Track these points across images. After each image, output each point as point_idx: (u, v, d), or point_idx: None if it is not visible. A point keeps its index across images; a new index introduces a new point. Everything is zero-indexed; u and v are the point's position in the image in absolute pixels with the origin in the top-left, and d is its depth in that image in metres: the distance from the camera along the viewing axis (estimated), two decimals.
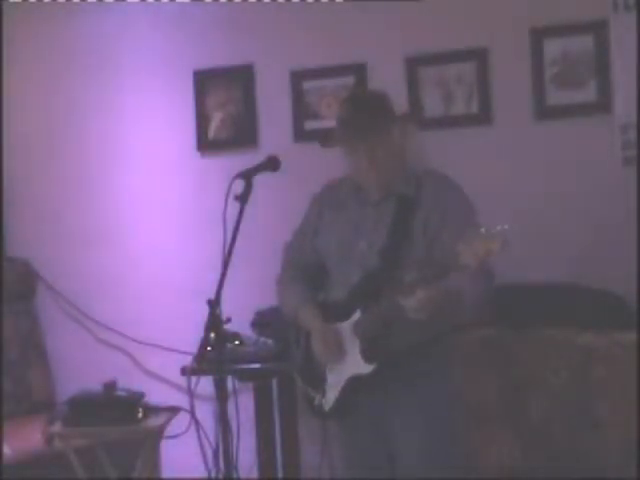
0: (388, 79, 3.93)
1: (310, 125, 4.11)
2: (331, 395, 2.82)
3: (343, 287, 2.79)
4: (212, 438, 2.92)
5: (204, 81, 4.28)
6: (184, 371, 3.33)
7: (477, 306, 2.69)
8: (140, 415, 3.52)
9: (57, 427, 3.55)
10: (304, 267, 2.98)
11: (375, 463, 2.86)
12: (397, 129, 2.79)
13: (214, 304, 2.65)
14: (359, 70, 4.04)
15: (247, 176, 2.73)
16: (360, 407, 2.81)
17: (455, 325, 2.83)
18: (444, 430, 2.77)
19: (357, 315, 2.74)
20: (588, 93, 3.77)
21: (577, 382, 3.22)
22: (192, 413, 2.91)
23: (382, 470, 2.85)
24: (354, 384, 2.75)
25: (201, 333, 2.69)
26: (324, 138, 2.95)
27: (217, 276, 2.66)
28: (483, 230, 2.38)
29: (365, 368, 2.71)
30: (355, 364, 2.74)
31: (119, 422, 3.50)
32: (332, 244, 2.87)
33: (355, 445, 2.90)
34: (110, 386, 3.62)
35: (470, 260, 2.37)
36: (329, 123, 3.95)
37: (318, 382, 2.86)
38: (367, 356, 2.71)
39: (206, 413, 3.03)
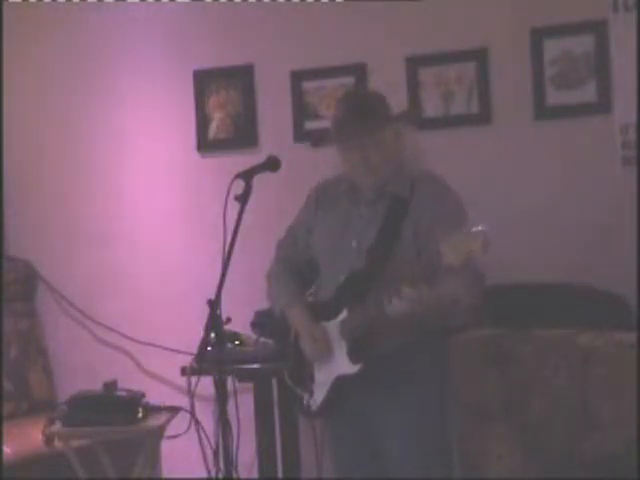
0: (388, 79, 3.93)
1: (310, 125, 4.11)
2: (319, 395, 2.83)
3: (332, 286, 2.80)
4: (212, 438, 2.92)
5: (204, 81, 4.28)
6: (184, 371, 3.33)
7: (463, 310, 2.71)
8: (140, 415, 3.52)
9: (57, 427, 3.55)
10: (296, 263, 2.99)
11: (362, 462, 2.87)
12: (391, 130, 2.79)
13: (214, 304, 2.65)
14: (359, 70, 4.03)
15: (247, 176, 2.73)
16: (347, 407, 2.81)
17: (442, 327, 2.84)
18: (430, 430, 2.79)
19: (344, 315, 2.74)
20: (588, 93, 3.77)
21: (577, 382, 3.22)
22: (192, 413, 2.91)
23: (369, 469, 2.86)
24: (341, 384, 2.76)
25: (201, 333, 2.69)
26: (316, 138, 2.96)
27: (217, 276, 2.66)
28: (465, 231, 2.39)
29: (351, 368, 2.72)
30: (342, 364, 2.75)
31: (119, 422, 3.49)
32: (324, 242, 2.88)
33: (343, 445, 2.92)
34: (110, 386, 3.61)
35: (453, 260, 2.39)
36: (329, 123, 3.96)
37: (306, 382, 2.86)
38: (353, 356, 2.71)
39: (206, 413, 3.02)
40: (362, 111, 2.76)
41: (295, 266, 2.99)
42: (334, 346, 2.77)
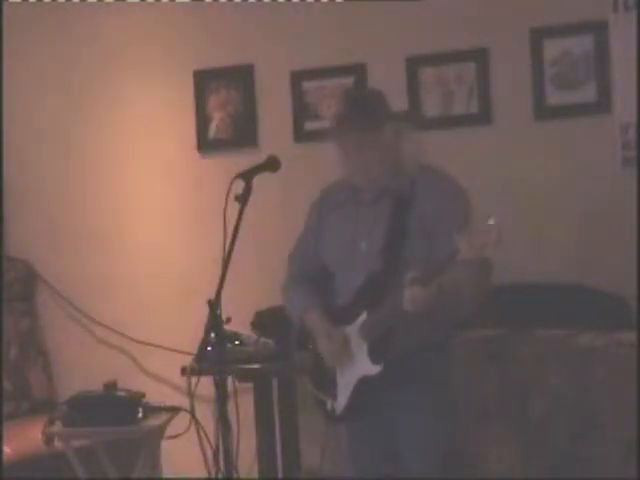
0: (388, 79, 3.93)
1: (310, 125, 4.11)
2: (342, 399, 2.82)
3: (348, 290, 2.79)
4: (212, 438, 2.92)
5: (204, 81, 4.28)
6: (184, 371, 3.33)
7: (476, 298, 2.70)
8: (140, 415, 3.51)
9: (57, 427, 3.55)
10: (309, 274, 2.97)
11: (379, 463, 2.87)
12: (389, 128, 2.78)
13: (214, 304, 2.65)
14: (359, 70, 4.04)
15: (247, 176, 2.73)
16: (370, 409, 2.81)
17: (456, 321, 2.83)
18: (449, 431, 2.79)
19: (363, 317, 2.74)
20: (588, 93, 3.77)
21: (577, 382, 3.22)
22: (192, 413, 2.91)
23: (389, 469, 2.86)
24: (363, 386, 2.75)
25: (201, 333, 2.69)
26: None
27: (217, 276, 2.66)
28: (478, 225, 2.39)
29: (373, 369, 2.72)
30: (363, 366, 2.74)
31: (119, 422, 3.49)
32: (333, 247, 2.87)
33: (361, 445, 2.91)
34: (110, 386, 3.61)
35: (467, 255, 2.38)
36: (329, 123, 3.96)
37: (329, 386, 2.86)
38: (373, 357, 2.71)
39: (206, 413, 3.02)
40: (358, 110, 2.76)
41: (309, 275, 2.97)
42: (355, 348, 2.76)
